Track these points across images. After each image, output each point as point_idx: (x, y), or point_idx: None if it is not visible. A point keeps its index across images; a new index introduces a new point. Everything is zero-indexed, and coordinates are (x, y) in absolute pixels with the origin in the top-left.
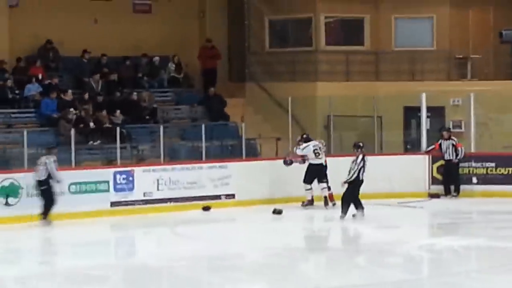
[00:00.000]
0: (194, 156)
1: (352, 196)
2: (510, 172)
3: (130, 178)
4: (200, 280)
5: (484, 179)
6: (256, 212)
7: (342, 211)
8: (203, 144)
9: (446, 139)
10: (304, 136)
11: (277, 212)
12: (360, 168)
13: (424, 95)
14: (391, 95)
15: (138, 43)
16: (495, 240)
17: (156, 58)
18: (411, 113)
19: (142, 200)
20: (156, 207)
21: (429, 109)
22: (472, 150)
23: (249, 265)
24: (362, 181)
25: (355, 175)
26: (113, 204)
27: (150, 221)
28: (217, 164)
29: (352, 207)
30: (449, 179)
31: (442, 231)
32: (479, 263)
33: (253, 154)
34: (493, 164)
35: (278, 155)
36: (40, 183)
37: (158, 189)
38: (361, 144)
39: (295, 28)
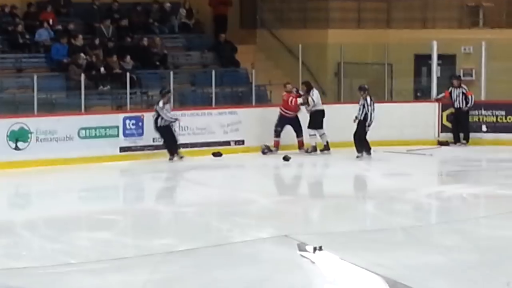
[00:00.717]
0: (204, 102)
1: (363, 134)
2: None
3: (140, 124)
4: (208, 225)
5: (494, 127)
6: (265, 159)
7: (358, 151)
8: (213, 90)
9: (456, 87)
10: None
11: (286, 159)
12: (370, 109)
13: (435, 43)
14: (402, 42)
15: None
16: (504, 188)
17: (167, 4)
18: (422, 60)
19: (151, 146)
20: (165, 153)
21: (440, 57)
22: (482, 98)
23: (258, 211)
24: (371, 121)
25: (365, 114)
26: (122, 149)
27: (159, 166)
28: (227, 110)
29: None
30: (459, 127)
31: (451, 178)
32: (487, 210)
33: (263, 100)
34: (503, 112)
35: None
36: (155, 127)
37: None
38: (366, 87)
39: None
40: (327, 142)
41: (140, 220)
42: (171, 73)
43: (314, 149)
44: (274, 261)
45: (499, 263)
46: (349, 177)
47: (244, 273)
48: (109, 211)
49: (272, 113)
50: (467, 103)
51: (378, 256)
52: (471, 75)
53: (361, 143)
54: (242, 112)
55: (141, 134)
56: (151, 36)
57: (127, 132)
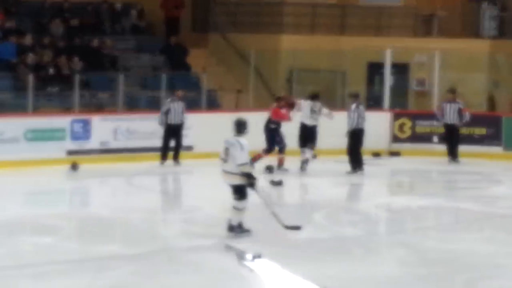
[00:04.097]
0: (154, 106)
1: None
2: (471, 132)
3: (88, 127)
4: (154, 232)
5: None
6: (214, 165)
7: (353, 167)
8: (163, 94)
9: (451, 102)
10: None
11: (277, 183)
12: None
13: (388, 52)
14: (356, 50)
15: None
16: (454, 199)
17: (118, 5)
18: (375, 69)
19: (99, 149)
20: (113, 157)
21: (393, 65)
22: (435, 108)
23: (205, 219)
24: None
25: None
26: (69, 152)
27: (106, 171)
28: None
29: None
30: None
31: (401, 189)
32: (436, 222)
33: (213, 105)
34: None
35: (238, 107)
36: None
37: (115, 139)
38: (358, 94)
39: None
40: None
41: (85, 225)
42: (121, 75)
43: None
44: (216, 269)
45: (446, 276)
46: (298, 186)
47: (187, 281)
48: (54, 216)
49: (222, 119)
50: (461, 119)
51: (323, 267)
52: (424, 85)
53: (357, 157)
54: (192, 117)
55: (89, 137)
56: (102, 37)
57: (74, 135)
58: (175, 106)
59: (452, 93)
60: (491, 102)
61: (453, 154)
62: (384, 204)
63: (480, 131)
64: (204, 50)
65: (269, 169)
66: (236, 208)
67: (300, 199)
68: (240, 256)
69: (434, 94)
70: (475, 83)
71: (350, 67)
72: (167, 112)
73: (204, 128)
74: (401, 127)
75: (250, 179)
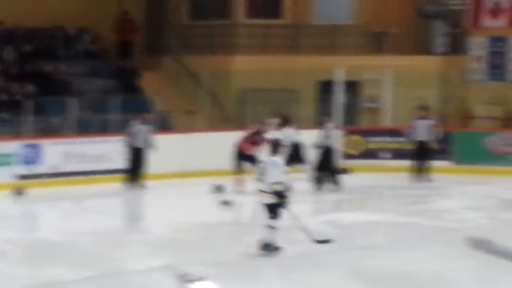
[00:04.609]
0: (107, 130)
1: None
2: None
3: (38, 151)
4: (103, 255)
5: (398, 154)
6: (167, 187)
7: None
8: (115, 118)
9: (423, 118)
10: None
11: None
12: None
13: (339, 70)
14: (308, 69)
15: (53, 14)
16: (403, 215)
17: (72, 30)
18: (327, 87)
19: (49, 174)
20: (64, 180)
21: (345, 83)
22: (387, 125)
23: (154, 240)
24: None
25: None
26: (20, 177)
27: (57, 194)
28: None
29: None
30: (421, 161)
31: (352, 205)
32: (384, 238)
33: (166, 127)
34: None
35: (190, 129)
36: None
37: (66, 163)
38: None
39: (213, 0)
40: None
41: (33, 250)
42: (74, 100)
43: None
44: None
45: None
46: (246, 204)
47: None
48: (1, 241)
49: (175, 140)
50: (433, 136)
51: (268, 285)
52: (376, 102)
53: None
54: None
55: (39, 161)
56: (55, 62)
57: (25, 159)
58: (141, 129)
59: (424, 110)
60: (443, 118)
61: (426, 171)
62: (333, 220)
63: (431, 145)
64: (157, 73)
65: (219, 188)
66: (270, 227)
67: (250, 217)
68: (183, 278)
69: (386, 111)
70: (426, 100)
71: (302, 86)
72: (132, 135)
73: (156, 151)
74: (353, 144)
75: (281, 198)
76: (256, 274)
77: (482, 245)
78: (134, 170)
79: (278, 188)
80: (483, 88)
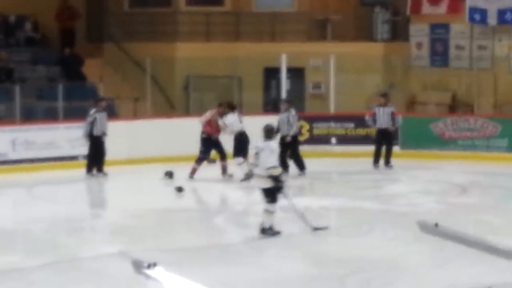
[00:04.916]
0: (51, 117)
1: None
2: (368, 133)
3: None
4: (56, 242)
5: (343, 140)
6: (114, 173)
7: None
8: (60, 104)
9: (383, 106)
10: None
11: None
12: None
13: (284, 56)
14: (251, 56)
15: None
16: (354, 199)
17: (12, 18)
18: (271, 74)
19: None
20: (12, 168)
21: (289, 70)
22: (331, 111)
23: (107, 227)
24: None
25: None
26: None
27: (6, 182)
28: (75, 125)
29: None
30: (381, 149)
31: (302, 191)
32: (335, 222)
33: (111, 114)
34: (352, 125)
35: (136, 116)
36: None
37: (13, 150)
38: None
39: None
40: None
41: None
42: (17, 87)
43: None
44: (117, 278)
45: (339, 277)
46: (201, 190)
47: None
48: None
49: (121, 127)
50: (393, 123)
51: (217, 272)
52: (320, 88)
53: (300, 160)
54: None
55: None
56: None
57: None
58: (100, 117)
59: (384, 97)
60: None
61: (386, 158)
62: (286, 205)
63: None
64: (100, 60)
65: (169, 174)
66: (267, 211)
67: (202, 203)
68: (137, 264)
69: (330, 97)
70: (370, 86)
71: (246, 73)
72: (92, 123)
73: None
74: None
75: (277, 183)
76: (209, 260)
77: (433, 229)
78: (95, 158)
79: (274, 172)
80: (426, 74)
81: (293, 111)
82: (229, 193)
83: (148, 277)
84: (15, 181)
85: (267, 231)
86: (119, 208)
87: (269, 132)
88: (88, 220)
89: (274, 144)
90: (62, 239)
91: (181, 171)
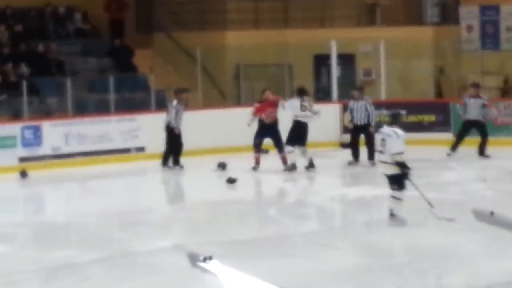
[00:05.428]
0: (103, 109)
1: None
2: (421, 120)
3: (38, 133)
4: (110, 236)
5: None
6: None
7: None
8: (112, 97)
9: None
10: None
11: (231, 181)
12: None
13: (334, 43)
14: (301, 43)
15: None
16: (407, 189)
17: (62, 9)
18: (321, 61)
19: (50, 155)
20: (65, 162)
21: (339, 56)
22: (383, 98)
23: (160, 220)
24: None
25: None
26: (21, 159)
27: (59, 176)
28: (126, 117)
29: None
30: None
31: (354, 180)
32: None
33: (163, 106)
34: (404, 112)
35: (187, 106)
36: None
37: (66, 144)
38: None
39: None
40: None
41: (40, 232)
42: (69, 79)
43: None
44: (173, 272)
45: (397, 267)
46: (251, 181)
47: (142, 284)
48: (8, 224)
49: None
50: (484, 115)
51: (276, 263)
52: (371, 75)
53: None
54: (142, 119)
55: (40, 143)
56: (47, 42)
57: (25, 142)
58: (179, 109)
59: (475, 88)
60: (439, 89)
61: (481, 149)
62: (338, 195)
63: (429, 118)
64: (150, 51)
65: (222, 166)
66: (394, 198)
67: (255, 195)
68: (193, 257)
69: (381, 83)
70: (421, 71)
71: (296, 60)
72: (176, 115)
73: (155, 129)
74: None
75: (404, 169)
76: (263, 252)
77: (489, 218)
78: (173, 150)
79: (400, 158)
80: (477, 58)
81: (369, 99)
82: (282, 184)
83: (204, 270)
84: (68, 175)
85: (395, 218)
86: (172, 201)
87: (395, 117)
88: (141, 214)
89: (400, 130)
90: (115, 233)
91: (234, 162)
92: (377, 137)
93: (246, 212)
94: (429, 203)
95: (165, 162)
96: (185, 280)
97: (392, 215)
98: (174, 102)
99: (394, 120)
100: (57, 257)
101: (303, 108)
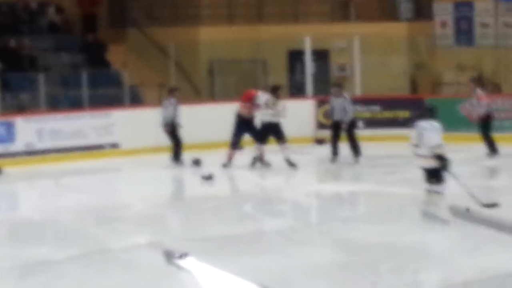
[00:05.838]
0: (76, 105)
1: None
2: (395, 115)
3: (11, 129)
4: (85, 232)
5: (370, 123)
6: (141, 162)
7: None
8: (85, 92)
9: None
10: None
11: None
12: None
13: (308, 39)
14: (275, 38)
15: None
16: (382, 184)
17: (34, 4)
18: (296, 56)
19: (24, 152)
20: (39, 158)
21: (313, 52)
22: (357, 93)
23: (135, 216)
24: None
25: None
26: None
27: (33, 173)
28: (100, 113)
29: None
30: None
31: (330, 176)
32: (366, 209)
33: (136, 101)
34: (378, 108)
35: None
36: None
37: (40, 140)
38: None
39: None
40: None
41: (15, 229)
42: (41, 75)
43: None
44: (148, 268)
45: (371, 264)
46: (226, 177)
47: (118, 281)
48: None
49: (147, 114)
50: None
51: (250, 261)
52: (345, 70)
53: (357, 146)
54: (116, 114)
55: (13, 140)
56: (19, 37)
57: None
58: (173, 104)
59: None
60: (414, 85)
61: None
62: (313, 191)
63: (403, 114)
64: (123, 46)
65: (196, 162)
66: (432, 191)
67: (231, 191)
68: (168, 254)
69: (355, 79)
70: (395, 66)
71: (270, 56)
72: (168, 112)
73: (129, 125)
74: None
75: (443, 161)
76: (239, 249)
77: (465, 214)
78: (178, 145)
79: (440, 151)
80: (451, 54)
81: (347, 96)
82: (258, 180)
83: (179, 267)
84: (42, 171)
85: (429, 214)
86: (147, 197)
87: (431, 111)
88: (117, 210)
89: (436, 123)
90: (91, 230)
91: (208, 158)
92: (412, 132)
93: (222, 209)
94: (473, 196)
95: (176, 157)
96: (161, 277)
97: (429, 214)
98: (172, 100)
99: (430, 114)
100: (32, 254)
101: (267, 106)
